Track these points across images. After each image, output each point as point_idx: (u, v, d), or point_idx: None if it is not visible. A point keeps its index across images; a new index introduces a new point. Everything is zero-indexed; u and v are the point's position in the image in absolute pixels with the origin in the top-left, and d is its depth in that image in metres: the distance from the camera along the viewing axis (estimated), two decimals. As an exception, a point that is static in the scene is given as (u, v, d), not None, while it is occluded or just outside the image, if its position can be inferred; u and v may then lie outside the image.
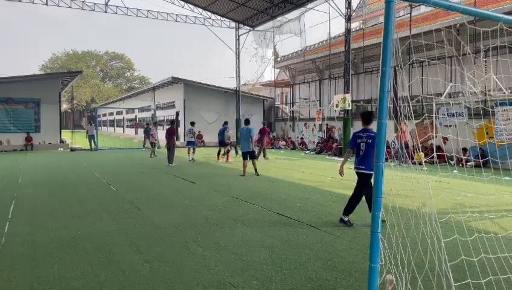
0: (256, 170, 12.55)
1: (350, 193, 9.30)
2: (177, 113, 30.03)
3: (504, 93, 13.03)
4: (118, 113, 52.90)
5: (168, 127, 15.84)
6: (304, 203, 8.34)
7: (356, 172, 6.20)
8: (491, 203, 7.46)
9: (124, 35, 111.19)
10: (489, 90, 13.69)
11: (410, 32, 15.63)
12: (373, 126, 5.93)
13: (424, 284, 3.56)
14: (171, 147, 15.51)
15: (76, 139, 27.32)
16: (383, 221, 11.19)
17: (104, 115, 64.44)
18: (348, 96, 19.48)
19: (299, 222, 6.62)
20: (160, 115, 34.50)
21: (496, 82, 13.15)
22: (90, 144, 24.51)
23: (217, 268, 4.44)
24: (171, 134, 15.71)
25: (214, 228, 6.23)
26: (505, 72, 12.03)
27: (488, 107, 13.93)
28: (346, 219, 6.29)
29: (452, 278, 3.27)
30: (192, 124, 17.54)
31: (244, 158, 12.58)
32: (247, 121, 12.96)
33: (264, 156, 18.64)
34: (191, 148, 17.37)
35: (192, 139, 17.32)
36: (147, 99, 37.84)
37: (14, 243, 5.41)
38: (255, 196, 9.11)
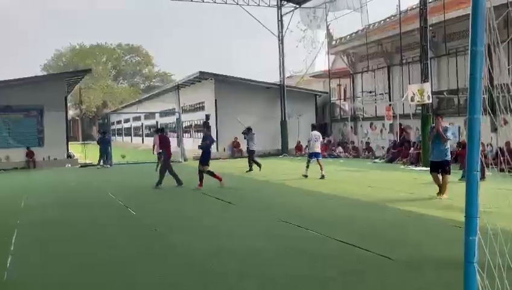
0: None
1: (434, 212, 9.20)
2: (207, 117, 30.52)
3: None
4: (136, 119, 54.41)
5: (159, 135, 15.62)
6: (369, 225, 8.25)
7: None
8: None
9: (140, 24, 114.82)
10: None
11: (507, -1, 15.13)
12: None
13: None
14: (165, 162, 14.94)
15: (88, 152, 28.36)
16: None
17: (119, 122, 66.57)
18: (427, 86, 19.09)
19: (367, 251, 6.55)
20: (187, 119, 35.16)
21: None
22: (101, 159, 25.03)
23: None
24: (166, 144, 15.15)
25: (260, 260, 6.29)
26: None
27: None
28: None
29: None
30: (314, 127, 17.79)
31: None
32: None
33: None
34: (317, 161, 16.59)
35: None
36: (169, 100, 38.79)
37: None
38: (306, 217, 9.10)
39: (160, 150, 14.92)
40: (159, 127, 18.71)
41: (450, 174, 10.90)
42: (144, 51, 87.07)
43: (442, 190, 10.73)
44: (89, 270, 6.15)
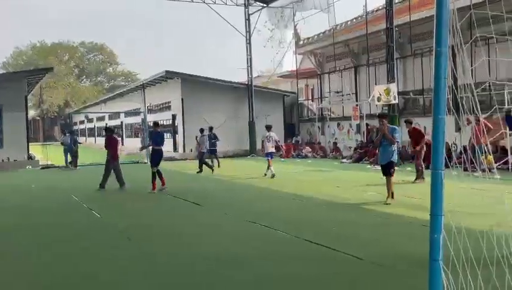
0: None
1: (404, 212, 9.37)
2: (174, 117, 30.33)
3: None
4: (99, 119, 53.61)
5: (107, 135, 15.55)
6: (341, 227, 8.35)
7: None
8: None
9: (103, 22, 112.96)
10: None
11: (470, 1, 15.55)
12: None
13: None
14: (111, 163, 14.78)
15: (49, 153, 27.71)
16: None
17: (82, 122, 65.45)
18: (393, 87, 19.44)
19: (338, 251, 6.63)
20: (153, 119, 34.76)
21: None
22: (66, 159, 24.77)
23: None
24: (112, 145, 15.05)
25: (231, 265, 6.32)
26: None
27: None
28: None
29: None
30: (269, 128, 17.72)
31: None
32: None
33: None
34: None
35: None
36: (135, 100, 38.29)
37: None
38: (277, 219, 9.14)
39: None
40: (107, 127, 18.39)
41: (392, 176, 10.41)
42: (108, 49, 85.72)
43: (388, 193, 10.37)
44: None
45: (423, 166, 13.93)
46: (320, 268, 5.99)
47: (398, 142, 10.60)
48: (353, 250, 6.59)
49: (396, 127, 11.14)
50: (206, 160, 19.62)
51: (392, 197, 10.35)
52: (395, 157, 10.59)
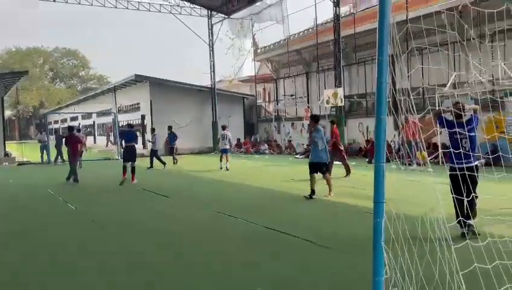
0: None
1: (351, 201, 9.58)
2: (143, 117, 29.89)
3: (514, 81, 13.47)
4: (73, 119, 52.23)
5: (70, 134, 15.57)
6: (294, 216, 8.46)
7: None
8: (505, 204, 7.71)
9: (76, 28, 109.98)
10: (497, 79, 14.11)
11: (407, 16, 16.02)
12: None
13: (435, 297, 3.70)
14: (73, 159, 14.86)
15: (25, 151, 26.80)
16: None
17: (56, 122, 63.54)
18: (340, 91, 19.79)
19: (292, 236, 6.72)
20: (124, 119, 34.23)
21: (505, 70, 13.57)
22: (42, 156, 24.10)
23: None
24: (71, 142, 15.02)
25: (196, 250, 6.30)
26: (514, 58, 12.43)
27: (497, 97, 14.34)
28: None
29: (465, 288, 3.41)
30: (224, 127, 18.37)
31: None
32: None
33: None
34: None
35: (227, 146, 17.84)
36: (106, 101, 37.54)
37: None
38: (239, 208, 9.18)
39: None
40: (69, 126, 18.29)
41: (326, 174, 10.29)
42: (81, 54, 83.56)
43: (330, 188, 10.25)
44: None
45: (348, 164, 13.84)
46: (273, 248, 6.08)
47: (316, 141, 9.99)
48: (304, 234, 6.71)
49: (320, 128, 10.28)
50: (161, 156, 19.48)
51: (330, 192, 10.19)
52: (324, 157, 10.12)
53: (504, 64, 13.25)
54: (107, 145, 18.23)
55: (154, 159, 18.97)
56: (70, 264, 5.70)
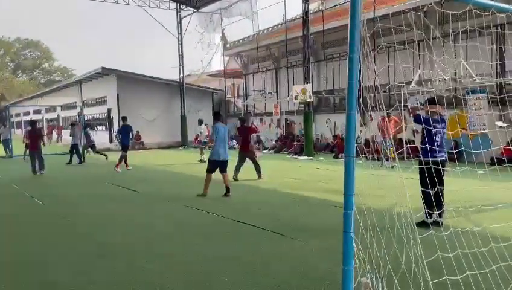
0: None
1: (316, 194, 9.76)
2: (110, 110, 29.42)
3: (474, 80, 13.95)
4: (36, 112, 50.77)
5: (30, 128, 16.03)
6: (265, 208, 8.59)
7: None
8: (466, 198, 8.06)
9: (38, 19, 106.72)
10: (459, 77, 14.58)
11: (374, 14, 16.32)
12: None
13: (401, 284, 3.86)
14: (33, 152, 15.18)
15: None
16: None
17: (18, 114, 61.60)
18: (309, 87, 19.98)
19: (263, 229, 6.83)
20: (90, 113, 33.59)
21: (467, 68, 14.05)
22: (6, 150, 23.34)
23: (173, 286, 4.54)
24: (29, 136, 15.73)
25: (167, 243, 6.34)
26: (475, 57, 12.87)
27: (460, 95, 14.84)
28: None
29: (429, 275, 3.58)
30: (201, 122, 19.39)
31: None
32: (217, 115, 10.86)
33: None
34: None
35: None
36: (72, 94, 36.69)
37: None
38: (207, 203, 9.23)
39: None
40: (30, 120, 18.70)
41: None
42: (44, 45, 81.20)
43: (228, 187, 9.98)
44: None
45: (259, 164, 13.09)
46: (247, 241, 6.18)
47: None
48: (270, 226, 6.88)
49: (218, 126, 10.02)
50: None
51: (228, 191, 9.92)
52: (225, 157, 9.97)
53: (466, 63, 13.70)
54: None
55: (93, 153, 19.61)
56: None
